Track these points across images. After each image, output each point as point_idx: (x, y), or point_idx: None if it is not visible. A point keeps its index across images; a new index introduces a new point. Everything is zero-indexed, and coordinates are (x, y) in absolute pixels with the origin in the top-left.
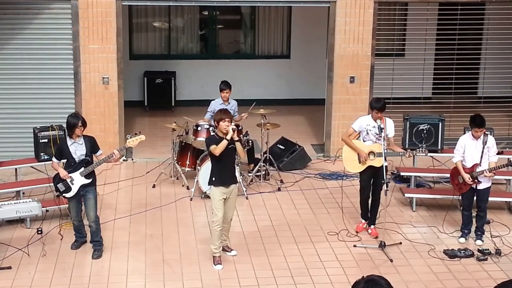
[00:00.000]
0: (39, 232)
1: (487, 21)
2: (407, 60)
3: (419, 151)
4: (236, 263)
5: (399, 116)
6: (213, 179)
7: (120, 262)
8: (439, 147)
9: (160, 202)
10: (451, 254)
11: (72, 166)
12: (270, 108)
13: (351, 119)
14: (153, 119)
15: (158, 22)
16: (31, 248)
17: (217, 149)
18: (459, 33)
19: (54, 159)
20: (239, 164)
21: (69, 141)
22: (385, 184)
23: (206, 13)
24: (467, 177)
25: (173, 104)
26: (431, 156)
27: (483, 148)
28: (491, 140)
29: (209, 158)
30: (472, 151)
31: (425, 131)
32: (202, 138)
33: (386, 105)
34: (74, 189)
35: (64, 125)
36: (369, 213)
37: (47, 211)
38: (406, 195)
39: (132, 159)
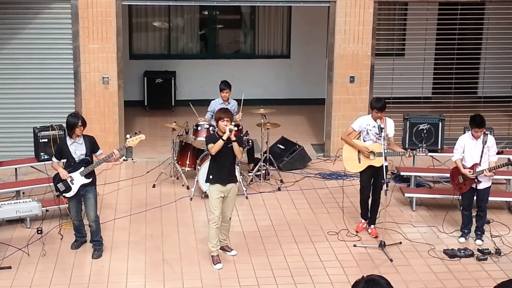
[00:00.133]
0: (39, 232)
1: (487, 21)
2: (407, 60)
3: (419, 151)
4: (236, 263)
5: (399, 116)
6: (210, 177)
7: (120, 262)
8: (439, 147)
9: (160, 202)
10: (451, 254)
11: (72, 165)
12: (270, 108)
13: (351, 119)
14: (153, 118)
15: (158, 21)
16: (31, 248)
17: (213, 149)
18: (459, 33)
19: (54, 159)
20: (239, 164)
21: (69, 141)
22: (385, 184)
23: (206, 13)
24: (467, 171)
25: (173, 104)
26: (431, 156)
27: (483, 147)
28: (490, 139)
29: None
30: (472, 151)
31: (425, 131)
32: (202, 138)
33: (386, 105)
34: (74, 188)
35: (64, 125)
36: (369, 212)
37: (47, 211)
38: (406, 194)
39: (132, 159)
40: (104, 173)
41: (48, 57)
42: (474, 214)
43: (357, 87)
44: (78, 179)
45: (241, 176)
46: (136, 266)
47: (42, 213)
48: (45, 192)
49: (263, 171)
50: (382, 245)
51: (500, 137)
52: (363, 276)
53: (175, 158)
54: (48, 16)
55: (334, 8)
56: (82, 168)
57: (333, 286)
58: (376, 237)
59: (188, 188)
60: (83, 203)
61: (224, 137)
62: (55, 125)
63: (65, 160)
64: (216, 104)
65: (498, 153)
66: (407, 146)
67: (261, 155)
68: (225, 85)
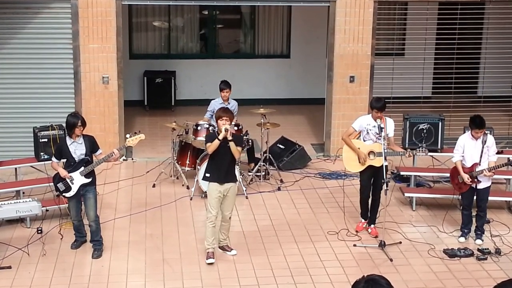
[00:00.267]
0: (39, 231)
1: (486, 21)
2: (407, 59)
3: (419, 150)
4: (236, 263)
5: (399, 115)
6: (207, 175)
7: (120, 262)
8: (439, 146)
9: (160, 202)
10: (451, 254)
11: (71, 165)
12: (270, 108)
13: (351, 119)
14: (153, 118)
15: (158, 21)
16: (31, 247)
17: (209, 148)
18: (459, 32)
19: (53, 158)
20: (239, 164)
21: (68, 141)
22: (385, 184)
23: (206, 12)
24: (466, 177)
25: (173, 103)
26: (431, 156)
27: (483, 147)
28: (490, 139)
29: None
30: (471, 150)
31: (425, 131)
32: (202, 137)
33: (386, 105)
34: (74, 188)
35: (64, 125)
36: (369, 212)
37: (47, 210)
38: (406, 194)
39: (132, 159)
40: (104, 173)
41: (48, 57)
42: (474, 214)
43: (357, 86)
44: (78, 179)
45: (241, 176)
46: (136, 266)
47: (42, 213)
48: (45, 192)
49: (263, 171)
50: (382, 245)
51: (500, 136)
52: (363, 276)
53: (175, 157)
54: (48, 15)
55: (334, 8)
56: (82, 168)
57: (333, 286)
58: (376, 236)
59: (188, 187)
60: (83, 203)
61: (220, 137)
62: (55, 125)
63: (65, 160)
64: (216, 104)
65: (498, 152)
66: (407, 146)
67: (261, 155)
68: (225, 85)
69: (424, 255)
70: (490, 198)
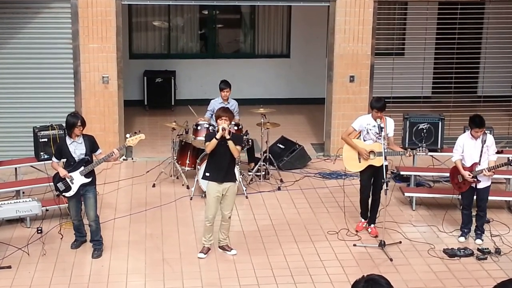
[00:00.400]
0: (39, 231)
1: (486, 20)
2: (406, 59)
3: (419, 150)
4: (236, 263)
5: (399, 115)
6: (206, 174)
7: (120, 262)
8: (439, 146)
9: (160, 202)
10: (450, 253)
11: (71, 165)
12: (270, 108)
13: (351, 119)
14: (153, 118)
15: (157, 21)
16: (31, 247)
17: (208, 147)
18: (458, 32)
19: (53, 158)
20: (239, 163)
21: (68, 141)
22: (385, 184)
23: (206, 12)
24: (466, 174)
25: (173, 103)
26: (431, 155)
27: (482, 147)
28: (490, 138)
29: None
30: (471, 150)
31: (425, 130)
32: (202, 137)
33: (386, 105)
34: (74, 188)
35: (64, 125)
36: (369, 212)
37: (47, 210)
38: (406, 194)
39: (132, 159)
40: (104, 172)
41: (48, 57)
42: (474, 213)
43: (357, 86)
44: (78, 179)
45: (241, 176)
46: (136, 266)
47: (42, 212)
48: (45, 192)
49: (263, 171)
50: (382, 245)
51: (500, 136)
52: (363, 275)
53: (175, 157)
54: (48, 15)
55: (334, 8)
56: (82, 168)
57: (333, 285)
58: (376, 236)
59: (188, 187)
60: (83, 202)
61: (218, 136)
62: (55, 125)
63: (65, 160)
64: (215, 104)
65: (498, 152)
66: (407, 145)
67: (261, 154)
68: (225, 85)
69: (424, 255)
70: (490, 198)
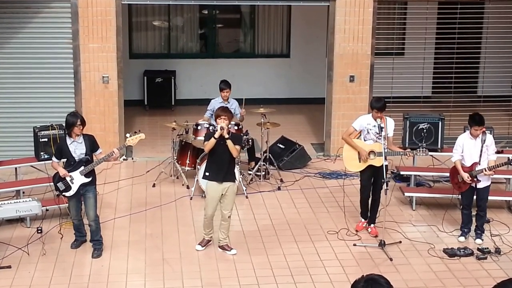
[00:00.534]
0: (39, 231)
1: (486, 20)
2: (406, 59)
3: (420, 151)
4: (236, 262)
5: (399, 115)
6: (206, 174)
7: (120, 261)
8: (439, 146)
9: (160, 201)
10: (450, 253)
11: (71, 165)
12: (270, 107)
13: (351, 118)
14: (153, 118)
15: (157, 21)
16: (31, 247)
17: (206, 146)
18: (458, 31)
19: (54, 158)
20: (239, 163)
21: (68, 140)
22: (385, 183)
23: (206, 12)
24: (466, 176)
25: (173, 103)
26: (431, 155)
27: (482, 146)
28: (489, 138)
29: None
30: (471, 150)
31: (425, 130)
32: (202, 137)
33: (386, 105)
34: (74, 188)
35: (64, 124)
36: (369, 212)
37: (47, 210)
38: (406, 194)
39: (132, 158)
40: (104, 172)
41: (48, 57)
42: (474, 213)
43: (357, 86)
44: (78, 178)
45: (241, 176)
46: (136, 266)
47: (42, 212)
48: (45, 192)
49: (263, 171)
50: (382, 244)
51: (500, 136)
52: (362, 275)
53: (175, 157)
54: (48, 15)
55: (333, 7)
56: (82, 167)
57: (333, 285)
58: (376, 236)
59: (188, 187)
60: (83, 202)
61: (216, 135)
62: (55, 125)
63: (65, 160)
64: (215, 103)
65: (498, 152)
66: (407, 145)
67: (261, 154)
68: (225, 85)
69: (424, 255)
70: (490, 197)
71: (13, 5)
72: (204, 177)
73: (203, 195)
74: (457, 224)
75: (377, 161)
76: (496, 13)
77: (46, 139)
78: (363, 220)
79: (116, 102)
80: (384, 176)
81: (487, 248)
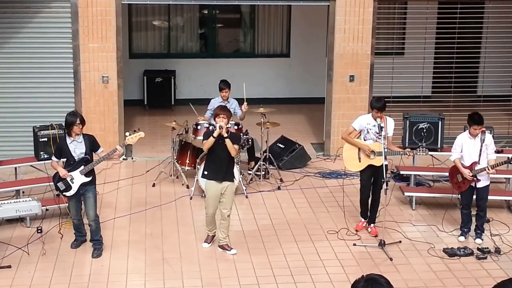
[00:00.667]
0: (39, 231)
1: (486, 20)
2: (406, 58)
3: (420, 150)
4: (236, 262)
5: (398, 114)
6: (205, 172)
7: (120, 261)
8: (439, 145)
9: (160, 201)
10: (450, 253)
11: (71, 164)
12: (270, 107)
13: (351, 118)
14: (152, 118)
15: (157, 20)
16: (31, 247)
17: (204, 145)
18: (458, 31)
19: (53, 158)
20: (239, 163)
21: (68, 140)
22: (385, 183)
23: (206, 11)
24: (467, 172)
25: (172, 103)
26: (431, 155)
27: (481, 146)
28: (488, 137)
29: None
30: (470, 149)
31: (424, 130)
32: (201, 137)
33: (386, 104)
34: (74, 187)
35: (64, 124)
36: (369, 212)
37: (47, 210)
38: (406, 193)
39: (132, 158)
40: (104, 172)
41: (48, 56)
42: (473, 213)
43: (357, 86)
44: (78, 178)
45: (241, 175)
46: (136, 265)
47: (42, 212)
48: (45, 191)
49: (263, 171)
50: (382, 244)
51: (500, 135)
52: (363, 275)
53: (175, 157)
54: (47, 15)
55: (333, 7)
56: (82, 167)
57: (333, 285)
58: (376, 236)
59: (188, 187)
60: (82, 202)
61: (215, 134)
62: (55, 124)
63: (64, 159)
64: (215, 103)
65: (498, 152)
66: (407, 145)
67: (261, 154)
68: (224, 85)
69: (424, 254)
70: (489, 197)
71: (13, 5)
72: (203, 176)
73: (203, 195)
74: (457, 224)
75: (377, 161)
76: (496, 13)
77: (45, 139)
78: (363, 219)
79: (116, 102)
80: (384, 176)
81: (487, 248)
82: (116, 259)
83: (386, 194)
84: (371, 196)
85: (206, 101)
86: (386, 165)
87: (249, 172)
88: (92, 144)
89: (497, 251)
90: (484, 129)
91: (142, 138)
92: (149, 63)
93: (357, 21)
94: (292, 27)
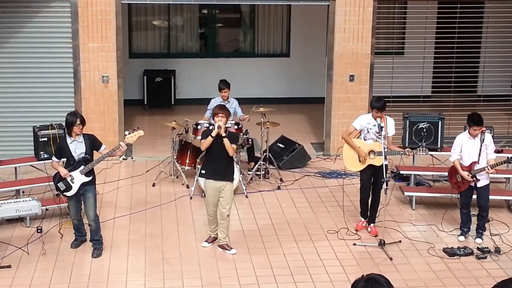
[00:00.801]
0: (39, 230)
1: (486, 19)
2: (406, 58)
3: (420, 150)
4: (236, 262)
5: (398, 114)
6: (202, 171)
7: (120, 261)
8: (439, 145)
9: (160, 201)
10: (450, 252)
11: (71, 164)
12: (270, 107)
13: (350, 118)
14: (152, 117)
15: (157, 20)
16: (31, 246)
17: (202, 145)
18: (458, 31)
19: (54, 158)
20: (239, 163)
21: (68, 140)
22: (385, 183)
23: (206, 11)
24: (465, 174)
25: (172, 102)
26: (431, 155)
27: (481, 146)
28: (488, 137)
29: None
30: (469, 149)
31: (424, 130)
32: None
33: (386, 104)
34: (75, 187)
35: (64, 124)
36: (369, 211)
37: (47, 209)
38: (406, 193)
39: (132, 158)
40: (103, 172)
41: (47, 56)
42: (474, 213)
43: (356, 85)
44: (78, 178)
45: (241, 175)
46: (136, 265)
47: (42, 212)
48: (44, 191)
49: (263, 170)
50: (381, 244)
51: (500, 135)
52: (363, 275)
53: (175, 157)
54: (47, 15)
55: (333, 7)
56: (82, 167)
57: (333, 285)
58: (376, 235)
59: (188, 187)
60: (82, 202)
61: (213, 134)
62: (55, 124)
63: (65, 159)
64: (215, 103)
65: (498, 152)
66: (407, 144)
67: (261, 154)
68: (224, 84)
69: (423, 254)
70: (489, 197)
71: (13, 5)
72: (201, 175)
73: (203, 195)
74: (457, 224)
75: (377, 161)
76: (496, 13)
77: (45, 139)
78: (363, 219)
79: (116, 101)
80: (384, 176)
81: (487, 247)
82: (116, 258)
83: (386, 194)
84: (371, 196)
85: (206, 101)
86: (386, 165)
87: (249, 172)
88: (92, 144)
89: (497, 250)
90: (484, 129)
91: (142, 138)
92: (149, 63)
93: (357, 20)
94: (292, 26)
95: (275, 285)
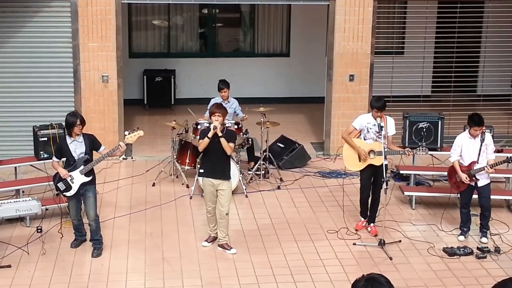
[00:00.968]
0: (39, 230)
1: (486, 19)
2: (406, 58)
3: (420, 150)
4: (236, 261)
5: (398, 114)
6: (201, 171)
7: (120, 261)
8: (439, 145)
9: (160, 201)
10: (450, 252)
11: (71, 164)
12: (270, 106)
13: (350, 117)
14: (152, 117)
15: (157, 20)
16: (31, 246)
17: (200, 145)
18: (458, 31)
19: (54, 158)
20: (239, 163)
21: (68, 140)
22: (385, 183)
23: (206, 11)
24: (464, 176)
25: (172, 102)
26: (431, 154)
27: (481, 146)
28: (488, 137)
29: None
30: (469, 149)
31: (424, 129)
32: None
33: (386, 104)
34: (75, 187)
35: (64, 124)
36: (369, 211)
37: (46, 209)
38: (406, 193)
39: (132, 158)
40: (103, 171)
41: (47, 56)
42: (473, 212)
43: (356, 85)
44: (78, 178)
45: (241, 175)
46: (136, 265)
47: (41, 211)
48: (44, 191)
49: (263, 170)
50: (381, 244)
51: (500, 135)
52: (363, 274)
53: (175, 156)
54: (47, 14)
55: (333, 7)
56: (82, 167)
57: (333, 284)
58: (376, 235)
59: (187, 186)
60: (82, 202)
61: (209, 135)
62: (55, 124)
63: (64, 159)
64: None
65: (498, 151)
66: (406, 144)
67: (260, 153)
68: (223, 84)
69: (423, 254)
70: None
71: (13, 5)
72: (199, 174)
73: (203, 194)
74: (457, 223)
75: (377, 160)
76: (496, 13)
77: (45, 138)
78: (362, 219)
79: (116, 101)
80: (384, 175)
81: (487, 247)
82: (116, 258)
83: (386, 194)
84: (371, 196)
85: (206, 101)
86: (386, 165)
87: (249, 171)
88: (92, 144)
89: (497, 250)
90: (484, 128)
91: (142, 137)
92: (149, 63)
93: (357, 20)
94: (292, 26)
95: (275, 285)
